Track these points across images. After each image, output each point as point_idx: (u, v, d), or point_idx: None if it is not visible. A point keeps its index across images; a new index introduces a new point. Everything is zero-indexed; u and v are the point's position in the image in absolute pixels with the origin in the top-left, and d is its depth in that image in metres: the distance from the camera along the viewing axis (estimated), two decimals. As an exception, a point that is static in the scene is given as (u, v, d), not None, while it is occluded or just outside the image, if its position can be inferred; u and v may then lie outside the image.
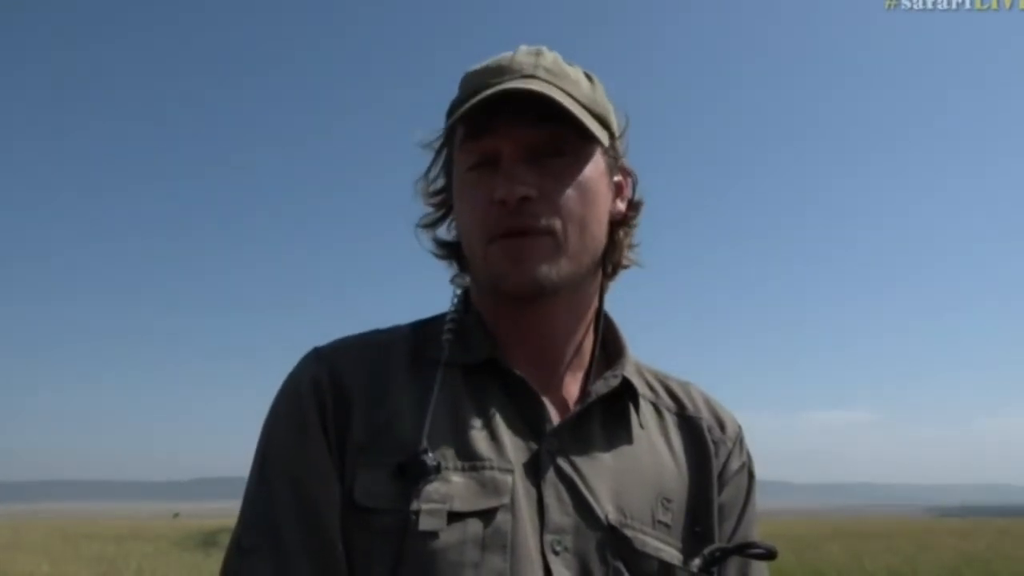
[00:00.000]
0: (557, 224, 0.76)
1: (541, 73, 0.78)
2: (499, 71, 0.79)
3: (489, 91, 0.76)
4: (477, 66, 0.82)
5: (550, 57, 0.81)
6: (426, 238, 0.89)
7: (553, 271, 0.77)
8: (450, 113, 0.83)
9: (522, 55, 0.80)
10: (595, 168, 0.80)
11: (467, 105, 0.76)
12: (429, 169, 0.87)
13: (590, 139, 0.79)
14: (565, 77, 0.79)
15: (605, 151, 0.82)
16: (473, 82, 0.80)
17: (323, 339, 0.83)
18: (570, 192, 0.77)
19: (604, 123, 0.82)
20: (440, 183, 0.87)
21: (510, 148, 0.77)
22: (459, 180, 0.82)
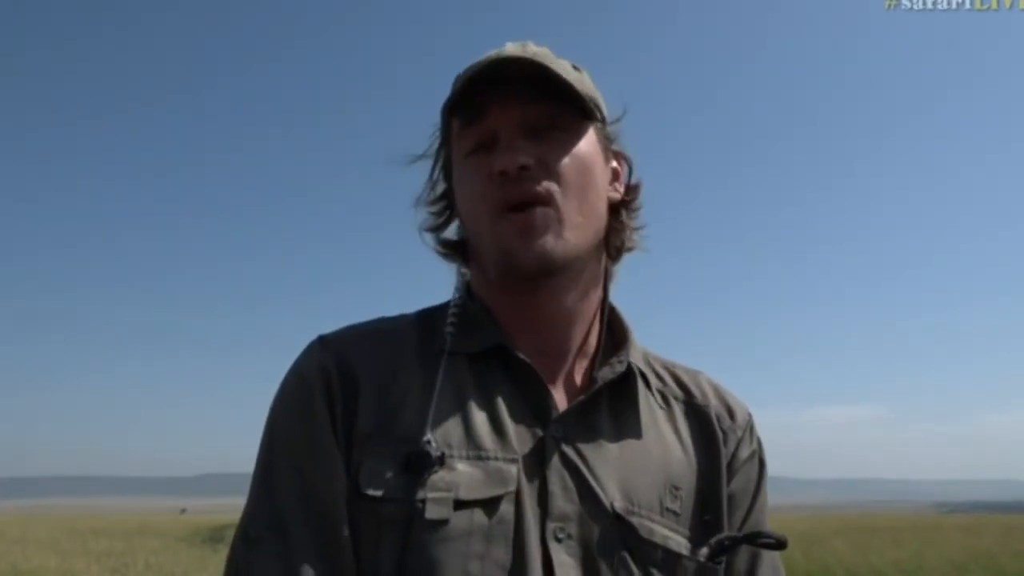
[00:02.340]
0: (555, 188, 0.77)
1: (530, 55, 0.79)
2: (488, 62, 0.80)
3: (480, 65, 0.77)
4: (467, 64, 0.83)
5: (536, 47, 0.82)
6: (431, 240, 0.89)
7: (559, 245, 0.76)
8: (443, 110, 0.83)
9: (510, 46, 0.82)
10: (590, 143, 0.82)
11: (459, 84, 0.77)
12: (432, 172, 0.87)
13: (585, 116, 0.81)
14: (553, 61, 0.80)
15: (599, 132, 0.83)
16: (463, 76, 0.80)
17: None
18: (567, 160, 0.78)
19: (595, 105, 0.82)
20: (440, 188, 0.88)
21: (507, 125, 0.78)
22: (458, 168, 0.82)
